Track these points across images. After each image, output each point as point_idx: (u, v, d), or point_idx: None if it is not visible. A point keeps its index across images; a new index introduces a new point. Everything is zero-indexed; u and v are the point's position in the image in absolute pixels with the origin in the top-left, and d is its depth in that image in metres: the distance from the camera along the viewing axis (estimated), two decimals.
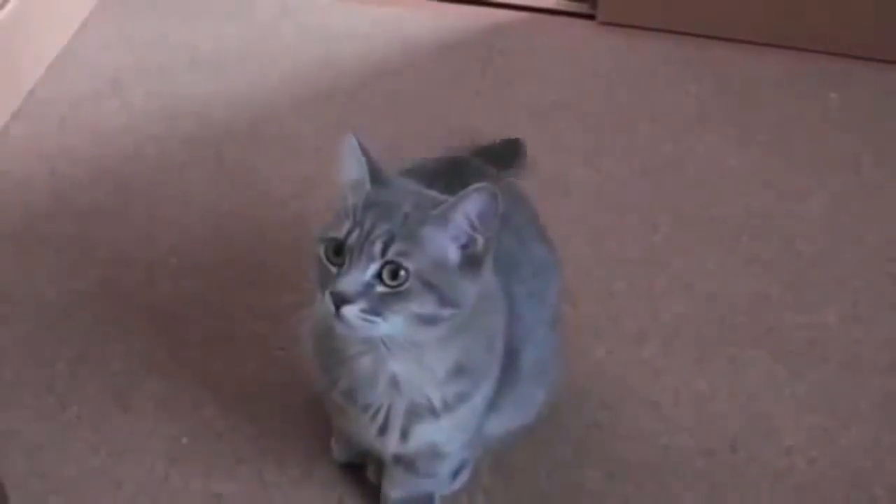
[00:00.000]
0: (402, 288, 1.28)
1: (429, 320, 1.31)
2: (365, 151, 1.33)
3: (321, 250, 1.31)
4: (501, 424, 1.57)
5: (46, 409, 1.75)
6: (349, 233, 1.29)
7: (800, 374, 1.83)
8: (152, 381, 1.79)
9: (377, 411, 1.44)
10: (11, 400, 1.76)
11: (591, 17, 2.57)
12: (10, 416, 1.73)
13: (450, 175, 1.54)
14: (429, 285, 1.29)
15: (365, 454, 1.62)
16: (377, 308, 1.28)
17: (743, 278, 1.98)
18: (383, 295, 1.28)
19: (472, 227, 1.30)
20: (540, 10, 2.58)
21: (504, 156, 1.97)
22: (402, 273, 1.28)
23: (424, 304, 1.29)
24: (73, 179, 2.13)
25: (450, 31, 2.52)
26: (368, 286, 1.28)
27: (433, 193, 1.35)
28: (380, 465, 1.62)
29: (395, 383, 1.40)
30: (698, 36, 2.49)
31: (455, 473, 1.63)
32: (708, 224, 2.08)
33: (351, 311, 1.28)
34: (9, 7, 2.25)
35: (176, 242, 2.01)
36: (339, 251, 1.30)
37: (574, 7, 2.59)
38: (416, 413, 1.42)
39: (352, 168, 1.34)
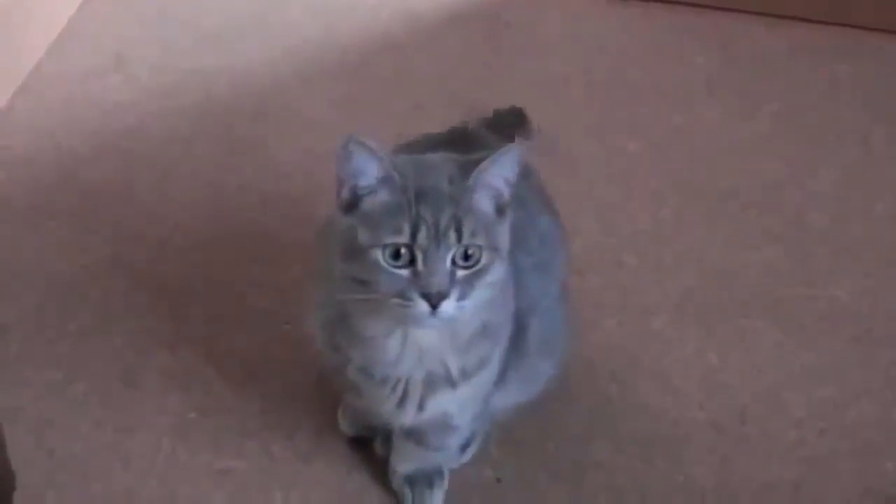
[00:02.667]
0: (480, 264, 1.30)
1: (494, 284, 1.33)
2: (374, 148, 1.31)
3: (379, 257, 1.29)
4: (509, 398, 1.56)
5: (53, 385, 1.75)
6: (414, 232, 1.28)
7: (809, 347, 1.82)
8: (159, 356, 1.79)
9: (396, 384, 1.43)
10: (18, 376, 1.75)
11: None
12: (16, 393, 1.73)
13: (455, 146, 1.54)
14: (493, 249, 1.31)
15: (373, 428, 1.62)
16: (465, 292, 1.29)
17: (752, 251, 1.97)
18: (464, 279, 1.29)
19: (505, 183, 1.32)
20: None
21: (507, 125, 1.95)
22: (475, 251, 1.29)
23: (494, 272, 1.31)
24: (78, 155, 2.13)
25: (457, 3, 2.50)
26: (453, 275, 1.29)
27: (450, 159, 1.35)
28: (388, 439, 1.61)
29: (420, 355, 1.40)
30: (707, 8, 2.47)
31: (463, 447, 1.63)
32: (717, 197, 2.07)
33: (449, 305, 1.29)
34: None
35: (182, 217, 2.00)
36: (397, 254, 1.29)
37: None
38: (433, 383, 1.42)
39: (365, 168, 1.31)
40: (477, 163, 1.31)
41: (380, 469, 1.63)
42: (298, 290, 1.74)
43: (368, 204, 1.31)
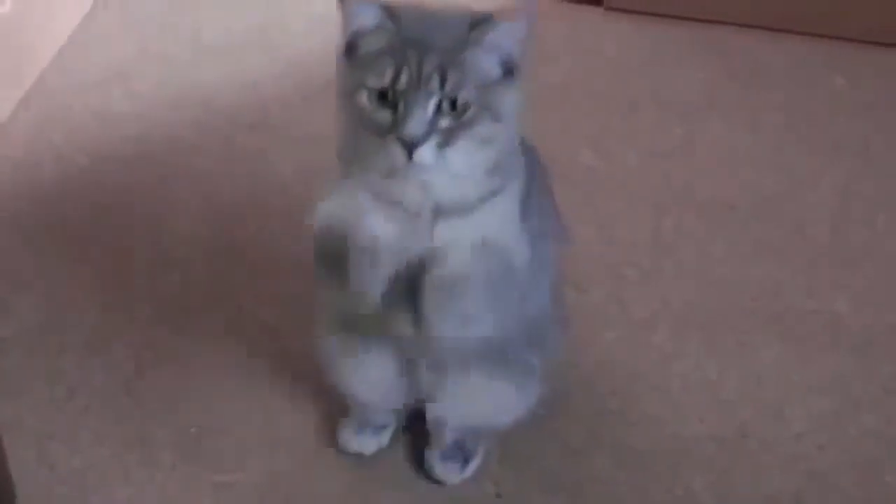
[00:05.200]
0: (464, 117, 1.30)
1: (488, 142, 1.32)
2: None
3: (364, 99, 1.31)
4: (501, 402, 1.56)
5: (54, 398, 1.75)
6: (396, 77, 1.29)
7: (810, 360, 1.82)
8: (161, 370, 1.79)
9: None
10: (19, 389, 1.76)
11: (598, 2, 2.55)
12: (17, 406, 1.73)
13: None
14: (485, 107, 1.30)
15: (381, 428, 1.63)
16: (446, 140, 1.29)
17: (752, 263, 1.97)
18: (447, 128, 1.29)
19: (515, 45, 1.32)
20: None
21: None
22: (461, 102, 1.29)
23: (484, 127, 1.31)
24: (80, 168, 2.13)
25: None
26: (433, 123, 1.29)
27: (460, 15, 1.34)
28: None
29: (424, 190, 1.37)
30: (705, 21, 2.47)
31: (465, 462, 1.63)
32: (717, 209, 2.07)
33: (425, 151, 1.29)
34: None
35: (183, 230, 2.01)
36: (383, 98, 1.30)
37: None
38: (443, 210, 1.38)
39: (362, 15, 1.32)
40: (486, 20, 1.30)
41: (380, 485, 1.64)
42: (299, 304, 1.75)
43: (363, 48, 1.33)
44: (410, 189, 1.36)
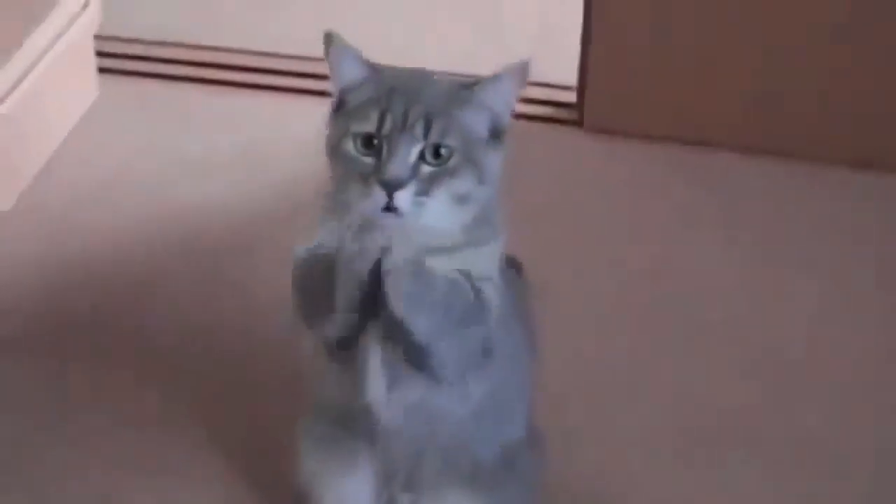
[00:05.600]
0: (447, 165, 1.32)
1: (465, 199, 1.34)
2: (357, 52, 1.37)
3: (350, 146, 1.34)
4: None
5: None
6: (381, 122, 1.32)
7: (786, 483, 1.82)
8: (138, 487, 1.78)
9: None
10: None
11: (578, 123, 2.58)
12: None
13: None
14: (470, 161, 1.33)
15: None
16: (425, 189, 1.31)
17: (728, 384, 1.98)
18: (428, 177, 1.32)
19: (506, 105, 1.36)
20: (525, 117, 2.54)
21: None
22: (444, 151, 1.32)
23: (465, 181, 1.33)
24: (60, 286, 2.14)
25: None
26: (415, 168, 1.31)
27: (445, 76, 1.39)
28: None
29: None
30: (685, 142, 2.50)
31: None
32: (693, 328, 2.08)
33: (405, 196, 1.30)
34: None
35: (165, 352, 2.01)
36: (368, 144, 1.33)
37: (560, 114, 2.61)
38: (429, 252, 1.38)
39: (349, 70, 1.38)
40: (479, 81, 1.36)
41: None
42: (278, 423, 1.74)
43: (351, 102, 1.37)
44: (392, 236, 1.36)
